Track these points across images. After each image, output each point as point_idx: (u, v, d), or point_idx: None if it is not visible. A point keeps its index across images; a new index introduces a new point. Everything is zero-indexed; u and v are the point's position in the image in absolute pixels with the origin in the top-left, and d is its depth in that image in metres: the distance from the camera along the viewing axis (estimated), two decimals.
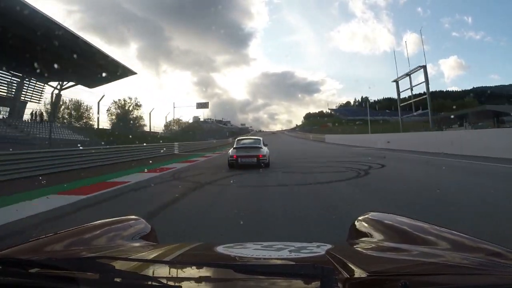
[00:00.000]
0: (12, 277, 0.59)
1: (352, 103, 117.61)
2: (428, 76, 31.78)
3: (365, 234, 1.00)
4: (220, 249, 0.89)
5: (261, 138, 10.82)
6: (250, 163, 9.05)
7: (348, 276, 0.58)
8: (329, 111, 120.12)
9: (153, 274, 0.64)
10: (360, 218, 1.11)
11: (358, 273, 0.59)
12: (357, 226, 1.07)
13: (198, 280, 0.66)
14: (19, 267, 0.62)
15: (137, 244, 0.99)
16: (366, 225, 1.06)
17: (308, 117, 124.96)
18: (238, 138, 11.84)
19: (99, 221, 1.08)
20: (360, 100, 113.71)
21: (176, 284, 0.62)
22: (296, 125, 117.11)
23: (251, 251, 0.90)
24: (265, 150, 9.63)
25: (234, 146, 9.94)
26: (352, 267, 0.62)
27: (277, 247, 0.91)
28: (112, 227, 1.07)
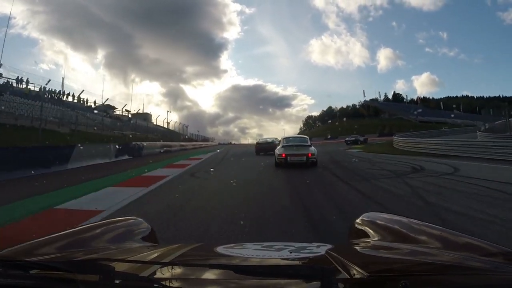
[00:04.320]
0: (13, 278, 0.59)
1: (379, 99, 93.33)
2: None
3: (365, 234, 1.00)
4: (220, 249, 0.89)
5: (307, 137, 10.86)
6: (299, 162, 9.15)
7: (348, 277, 0.58)
8: (361, 106, 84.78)
9: (153, 275, 0.65)
10: (359, 218, 1.11)
11: (358, 273, 0.58)
12: (357, 226, 1.08)
13: (199, 281, 0.66)
14: (20, 269, 0.62)
15: (137, 245, 1.00)
16: (366, 225, 1.06)
17: (319, 120, 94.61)
18: (284, 137, 11.41)
19: (99, 222, 1.09)
20: (391, 96, 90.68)
21: (177, 285, 0.62)
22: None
23: (251, 251, 0.90)
24: (313, 149, 9.65)
25: (282, 145, 9.97)
26: (352, 267, 0.62)
27: (277, 247, 0.91)
28: (112, 227, 1.07)
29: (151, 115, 44.73)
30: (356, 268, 0.61)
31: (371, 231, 1.00)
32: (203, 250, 1.03)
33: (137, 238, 1.06)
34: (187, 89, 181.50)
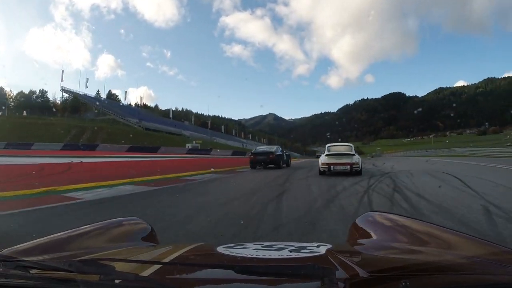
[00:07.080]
0: (13, 278, 0.59)
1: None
2: None
3: (365, 234, 1.00)
4: (220, 249, 0.89)
5: (351, 145, 10.62)
6: (343, 171, 9.23)
7: (349, 276, 0.58)
8: (56, 102, 56.95)
9: (153, 275, 0.64)
10: (360, 218, 1.12)
11: (359, 273, 0.59)
12: (357, 226, 1.08)
13: (199, 281, 0.66)
14: (20, 269, 0.62)
15: (137, 245, 1.00)
16: (366, 224, 1.06)
17: None
18: (328, 145, 11.10)
19: (100, 222, 1.08)
20: (106, 95, 66.62)
21: (177, 285, 0.62)
22: None
23: (251, 251, 0.90)
24: (357, 158, 9.63)
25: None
26: (353, 267, 0.62)
27: (277, 247, 0.91)
28: (112, 227, 1.07)
29: None
30: (357, 267, 0.61)
31: (371, 230, 1.00)
32: (203, 250, 1.03)
33: (137, 238, 1.06)
34: None
